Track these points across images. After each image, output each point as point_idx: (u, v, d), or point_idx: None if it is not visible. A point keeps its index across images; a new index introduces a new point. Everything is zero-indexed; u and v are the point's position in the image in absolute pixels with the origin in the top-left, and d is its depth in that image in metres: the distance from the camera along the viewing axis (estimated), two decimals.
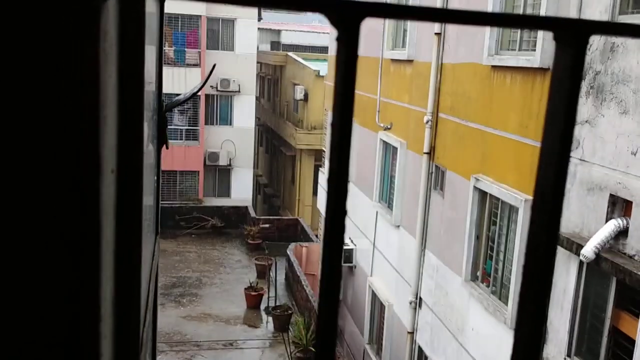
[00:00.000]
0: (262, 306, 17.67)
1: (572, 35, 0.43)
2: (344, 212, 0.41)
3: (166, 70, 24.81)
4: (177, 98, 3.06)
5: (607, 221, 6.08)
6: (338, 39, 0.38)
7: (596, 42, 6.33)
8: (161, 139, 1.77)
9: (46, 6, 0.47)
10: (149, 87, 1.52)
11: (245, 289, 17.84)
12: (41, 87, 0.48)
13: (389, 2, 11.40)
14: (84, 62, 0.49)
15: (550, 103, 0.45)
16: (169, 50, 25.13)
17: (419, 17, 0.40)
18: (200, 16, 25.13)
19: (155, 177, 1.80)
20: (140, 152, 0.82)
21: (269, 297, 17.54)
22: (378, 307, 12.97)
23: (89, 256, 0.53)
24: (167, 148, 1.83)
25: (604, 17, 6.24)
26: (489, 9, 8.43)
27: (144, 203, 1.27)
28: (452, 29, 9.80)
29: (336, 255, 0.41)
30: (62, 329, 0.54)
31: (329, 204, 0.40)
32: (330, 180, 0.40)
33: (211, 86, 25.81)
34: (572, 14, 6.67)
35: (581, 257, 6.18)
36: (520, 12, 7.98)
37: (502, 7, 8.33)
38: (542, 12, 7.20)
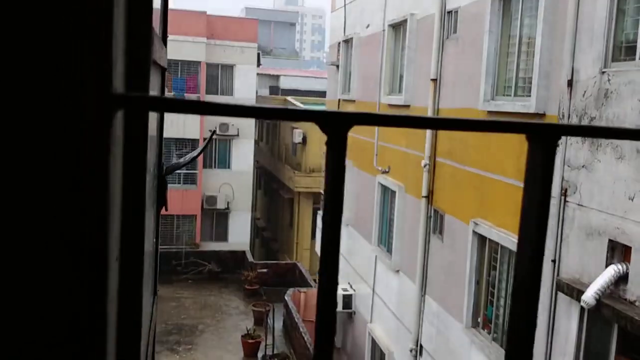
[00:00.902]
0: (260, 354, 17.35)
1: (543, 137, 0.48)
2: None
3: (166, 116, 25.07)
4: (177, 162, 3.10)
5: (607, 266, 6.04)
6: (327, 144, 0.43)
7: (590, 88, 6.41)
8: (161, 202, 1.78)
9: (65, 116, 0.52)
10: (150, 154, 1.55)
11: (242, 336, 17.56)
12: (59, 193, 0.53)
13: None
14: (97, 166, 0.54)
15: (525, 197, 0.49)
16: (169, 96, 25.43)
17: (400, 124, 0.44)
18: (200, 62, 25.55)
19: (154, 240, 1.80)
20: (141, 239, 0.85)
21: (266, 345, 17.25)
22: (378, 355, 12.75)
23: (93, 342, 0.55)
24: (166, 210, 1.84)
25: (597, 65, 6.34)
26: (483, 69, 8.57)
27: (146, 264, 1.28)
28: (448, 75, 9.95)
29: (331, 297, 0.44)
30: None
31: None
32: (319, 286, 0.42)
33: (210, 130, 26.00)
34: (566, 61, 6.78)
35: (582, 304, 6.11)
36: (515, 62, 8.13)
37: (497, 61, 8.48)
38: (536, 61, 7.33)
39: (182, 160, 3.10)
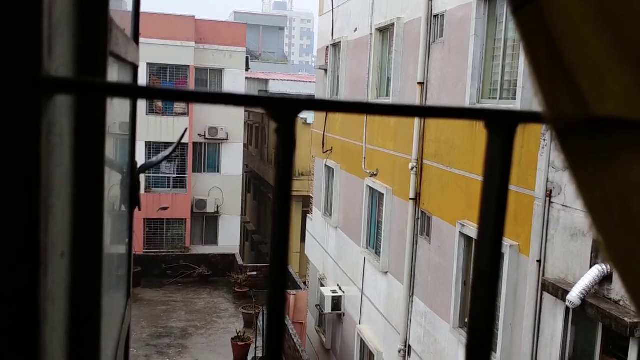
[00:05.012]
0: (250, 356, 17.32)
1: (502, 125, 0.47)
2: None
3: (154, 119, 25.02)
4: (149, 161, 3.09)
5: (591, 266, 6.13)
6: (276, 131, 0.43)
7: None
8: (134, 202, 1.80)
9: None
10: (122, 150, 1.55)
11: (232, 339, 17.52)
12: None
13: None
14: (22, 156, 0.49)
15: (484, 187, 0.48)
16: (157, 100, 25.35)
17: (347, 110, 0.44)
18: (188, 66, 25.50)
19: (128, 240, 1.82)
20: (100, 230, 0.83)
21: (256, 347, 17.22)
22: (367, 355, 12.79)
23: (27, 346, 0.52)
24: (139, 210, 1.86)
25: None
26: (469, 72, 8.67)
27: (112, 263, 1.26)
28: (434, 78, 10.03)
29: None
30: None
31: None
32: (270, 269, 0.43)
33: (199, 134, 25.98)
34: None
35: (567, 303, 6.19)
36: (500, 65, 8.22)
37: (482, 64, 8.58)
38: (522, 64, 7.42)
39: (154, 159, 3.10)
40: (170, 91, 0.43)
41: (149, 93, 0.44)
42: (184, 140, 24.89)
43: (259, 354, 16.96)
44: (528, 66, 0.43)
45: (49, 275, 0.56)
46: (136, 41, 1.89)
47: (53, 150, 0.58)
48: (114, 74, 1.23)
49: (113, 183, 1.25)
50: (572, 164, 0.44)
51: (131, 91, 0.41)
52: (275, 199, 0.42)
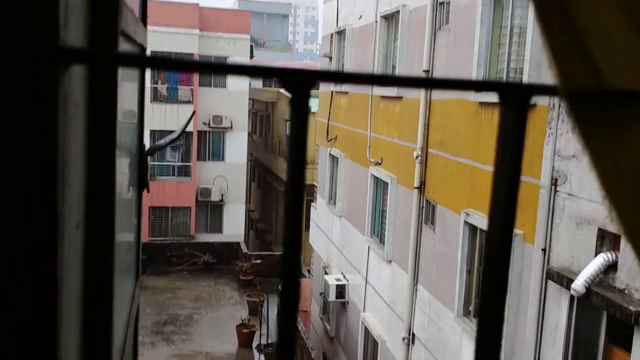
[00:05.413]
0: (254, 344, 17.43)
1: (515, 98, 0.46)
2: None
3: (159, 107, 25.01)
4: (157, 143, 3.11)
5: (596, 255, 6.11)
6: (290, 102, 0.43)
7: None
8: (142, 183, 1.80)
9: (2, 70, 0.49)
10: (130, 134, 1.55)
11: (237, 326, 17.62)
12: None
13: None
14: (40, 129, 0.50)
15: (497, 160, 0.47)
16: (161, 88, 25.35)
17: (363, 82, 0.43)
18: (192, 54, 25.43)
19: (136, 221, 1.82)
20: (112, 206, 0.84)
21: (260, 335, 17.32)
22: (371, 343, 12.84)
23: (45, 310, 0.54)
24: (147, 192, 1.85)
25: None
26: (475, 59, 8.61)
27: (121, 245, 1.27)
28: (439, 67, 9.98)
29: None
30: None
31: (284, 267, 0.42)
32: (284, 242, 0.42)
33: (203, 123, 25.97)
34: None
35: (572, 292, 6.18)
36: (506, 52, 8.17)
37: (488, 51, 8.52)
38: (528, 51, 7.37)
39: (162, 141, 3.12)
40: (184, 62, 0.43)
41: (162, 64, 0.44)
42: (188, 129, 24.89)
43: (264, 341, 17.05)
44: (540, 34, 0.43)
45: (65, 243, 0.57)
46: (144, 24, 1.89)
47: (69, 120, 0.59)
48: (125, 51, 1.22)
49: (122, 165, 1.26)
50: (585, 136, 0.44)
51: (145, 61, 0.41)
52: (289, 170, 0.41)
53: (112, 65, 0.72)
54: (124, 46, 1.17)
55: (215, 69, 0.43)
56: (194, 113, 3.96)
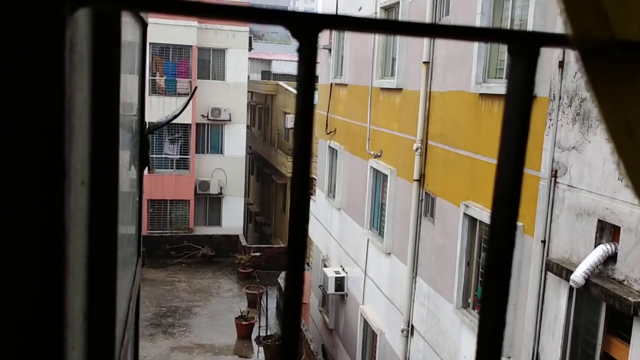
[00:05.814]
0: (253, 336, 17.47)
1: (525, 47, 0.45)
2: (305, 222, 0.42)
3: (157, 100, 24.94)
4: (159, 120, 3.10)
5: (595, 246, 6.12)
6: (298, 50, 0.41)
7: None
8: (144, 161, 1.79)
9: (9, 14, 0.48)
10: (132, 110, 1.54)
11: (236, 318, 17.65)
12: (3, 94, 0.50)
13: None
14: (47, 72, 0.50)
15: (506, 112, 0.46)
16: (160, 80, 25.26)
17: (374, 29, 0.42)
18: (191, 46, 25.35)
19: (138, 199, 1.81)
20: (116, 163, 0.83)
21: (260, 327, 17.36)
22: (370, 335, 12.87)
23: (52, 265, 0.53)
24: (149, 171, 1.85)
25: None
26: (475, 51, 8.56)
27: (122, 217, 1.27)
28: (439, 58, 9.95)
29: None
30: (22, 339, 0.53)
31: (292, 214, 0.41)
32: (293, 187, 0.41)
33: (202, 115, 25.92)
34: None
35: (571, 283, 6.19)
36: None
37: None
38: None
39: (163, 118, 3.11)
40: (189, 3, 0.41)
41: (168, 4, 0.41)
42: (186, 121, 24.84)
43: (262, 333, 17.08)
44: None
45: (71, 196, 0.57)
46: None
47: (74, 71, 0.59)
48: (127, 27, 1.21)
49: (124, 142, 1.25)
50: (595, 87, 0.43)
51: (150, 2, 0.40)
52: (296, 120, 0.40)
53: (119, 6, 0.71)
54: (126, 20, 1.15)
55: (223, 13, 0.41)
56: (195, 89, 3.94)
